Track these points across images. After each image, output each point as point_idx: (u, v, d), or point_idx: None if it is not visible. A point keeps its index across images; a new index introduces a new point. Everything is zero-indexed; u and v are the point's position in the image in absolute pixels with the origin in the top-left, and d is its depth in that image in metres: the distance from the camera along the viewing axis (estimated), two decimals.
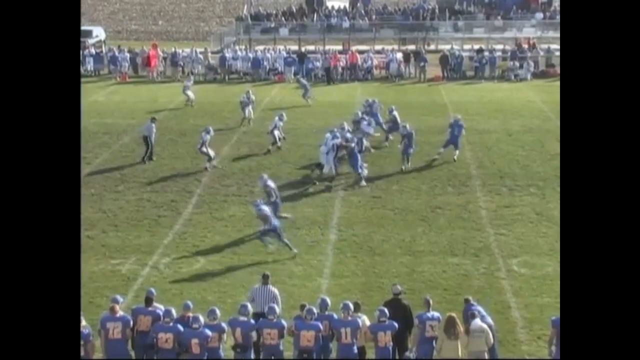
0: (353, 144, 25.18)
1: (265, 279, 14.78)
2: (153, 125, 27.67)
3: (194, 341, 13.07)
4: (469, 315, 13.48)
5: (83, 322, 13.26)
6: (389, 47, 47.75)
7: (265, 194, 21.22)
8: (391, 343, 13.31)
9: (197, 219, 21.54)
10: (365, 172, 24.86)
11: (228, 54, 45.32)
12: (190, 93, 36.03)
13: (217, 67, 44.80)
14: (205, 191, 23.92)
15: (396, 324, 13.38)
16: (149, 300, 13.85)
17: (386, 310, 13.48)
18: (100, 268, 18.44)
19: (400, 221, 21.48)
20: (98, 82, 43.50)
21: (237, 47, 48.52)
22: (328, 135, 25.23)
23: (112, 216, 21.82)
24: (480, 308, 13.84)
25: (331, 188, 24.19)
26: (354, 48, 47.27)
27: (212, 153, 26.11)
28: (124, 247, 19.65)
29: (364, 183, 24.47)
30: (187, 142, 29.35)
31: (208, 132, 26.12)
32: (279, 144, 28.42)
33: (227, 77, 43.93)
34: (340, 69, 44.55)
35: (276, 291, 14.66)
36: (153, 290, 14.33)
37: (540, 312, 16.04)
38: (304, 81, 37.57)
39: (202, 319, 13.25)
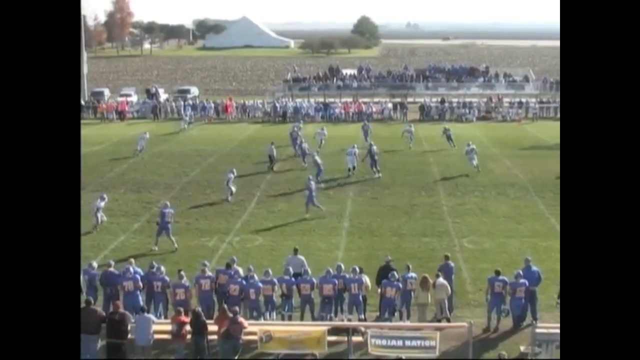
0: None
1: (295, 251, 14.67)
2: (273, 146, 27.52)
3: (251, 290, 13.02)
4: (438, 271, 13.58)
5: (184, 278, 13.27)
6: (383, 100, 47.60)
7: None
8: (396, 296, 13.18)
9: (257, 212, 21.41)
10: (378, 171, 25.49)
11: (278, 104, 45.21)
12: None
13: (270, 112, 44.67)
14: (263, 194, 23.76)
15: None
16: (229, 265, 13.78)
17: (395, 274, 13.32)
18: (194, 243, 18.33)
19: (391, 214, 21.26)
20: (194, 123, 43.54)
21: (284, 100, 48.40)
22: (351, 148, 26.69)
23: (203, 209, 21.77)
24: (451, 264, 14.09)
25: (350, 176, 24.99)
26: (360, 100, 47.02)
27: (233, 189, 22.32)
28: (210, 230, 19.49)
29: (379, 175, 25.39)
30: (253, 162, 29.18)
31: (232, 172, 22.63)
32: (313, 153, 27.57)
33: (277, 119, 43.80)
34: (351, 114, 44.45)
35: (303, 258, 14.47)
36: (235, 257, 14.26)
37: (481, 273, 15.81)
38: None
39: (256, 277, 13.23)
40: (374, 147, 26.57)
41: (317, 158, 25.59)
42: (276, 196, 23.35)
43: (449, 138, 32.27)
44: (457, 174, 26.82)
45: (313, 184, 20.82)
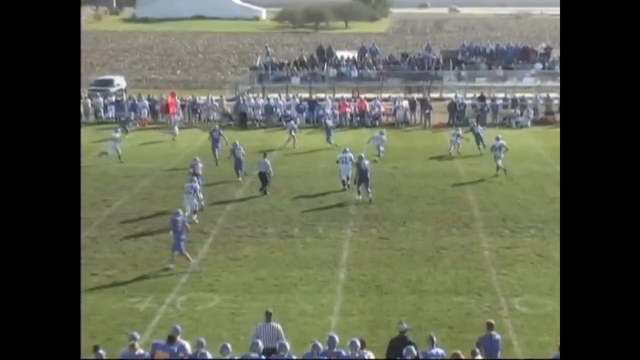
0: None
1: (268, 316, 14.78)
2: (267, 160, 28.46)
3: None
4: (477, 346, 13.85)
5: (102, 357, 13.31)
6: (396, 95, 48.03)
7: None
8: None
9: (213, 259, 21.57)
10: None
11: (242, 102, 45.63)
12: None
13: (232, 114, 45.12)
14: (220, 232, 23.96)
15: None
16: (171, 338, 13.86)
17: (414, 349, 13.46)
18: (119, 306, 18.44)
19: (407, 261, 21.46)
20: (120, 129, 43.73)
21: (251, 95, 48.88)
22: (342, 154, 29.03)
23: (131, 256, 21.86)
24: (497, 335, 14.38)
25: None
26: (362, 96, 47.55)
27: (198, 204, 25.25)
28: (142, 286, 19.65)
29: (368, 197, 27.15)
30: (202, 186, 29.42)
31: (195, 169, 26.89)
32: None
33: (241, 124, 44.19)
34: (349, 116, 44.79)
35: (279, 327, 14.64)
36: (178, 327, 14.28)
37: (540, 349, 15.94)
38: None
39: (209, 355, 13.30)
40: (364, 161, 27.54)
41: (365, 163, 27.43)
42: (240, 237, 23.53)
43: (477, 137, 34.72)
44: (503, 203, 27.15)
45: None
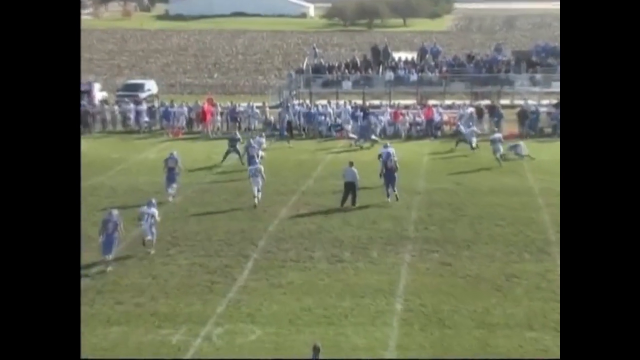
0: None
1: (315, 351, 14.89)
2: (354, 169, 29.03)
3: None
4: None
5: None
6: (460, 102, 47.87)
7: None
8: None
9: (253, 286, 21.69)
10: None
11: (287, 109, 45.88)
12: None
13: (275, 122, 45.42)
14: (262, 255, 24.09)
15: None
16: None
17: None
18: (148, 338, 18.60)
19: (472, 290, 21.31)
20: (149, 139, 44.37)
21: (296, 102, 49.15)
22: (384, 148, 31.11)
23: (163, 282, 22.07)
24: None
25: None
26: (430, 102, 47.46)
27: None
28: (175, 316, 19.82)
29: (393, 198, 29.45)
30: (243, 203, 29.72)
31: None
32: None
33: (284, 133, 44.45)
34: (407, 125, 44.76)
35: None
36: None
37: None
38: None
39: None
40: (393, 157, 29.59)
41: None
42: (284, 261, 23.63)
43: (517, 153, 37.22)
44: None
45: None
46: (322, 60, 55.18)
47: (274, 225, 27.17)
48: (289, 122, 44.80)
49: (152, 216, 24.37)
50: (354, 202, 29.07)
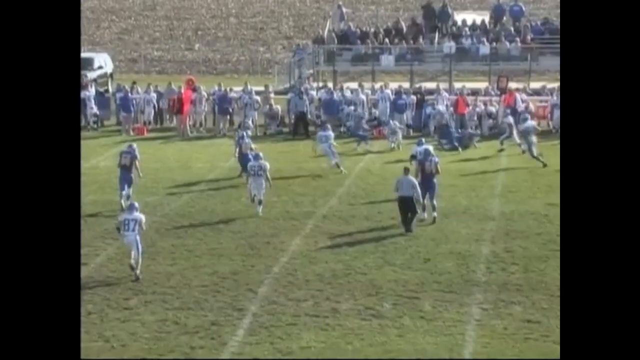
0: None
1: None
2: (411, 179, 29.79)
3: None
4: None
5: None
6: (553, 85, 47.82)
7: None
8: None
9: (251, 353, 21.73)
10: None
11: (300, 96, 45.94)
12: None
13: (283, 114, 45.46)
14: (263, 309, 24.09)
15: None
16: None
17: None
18: None
19: None
20: (100, 138, 44.74)
21: (313, 84, 49.24)
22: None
23: (120, 347, 22.09)
24: None
25: None
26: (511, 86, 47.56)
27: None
28: None
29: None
30: (236, 232, 29.81)
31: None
32: None
33: (299, 130, 44.53)
34: (475, 118, 44.80)
35: None
36: None
37: None
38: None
39: None
40: (433, 158, 31.38)
41: None
42: (296, 316, 23.68)
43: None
44: None
45: None
46: (351, 25, 55.31)
47: (281, 263, 27.20)
48: (302, 114, 44.89)
49: (138, 223, 25.75)
50: (409, 227, 29.58)
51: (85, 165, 38.80)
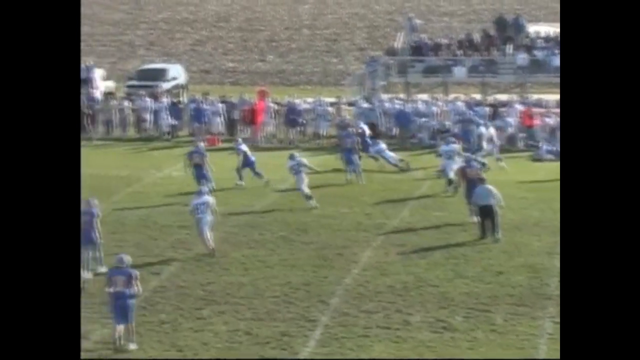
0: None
1: None
2: (490, 188, 30.05)
3: None
4: None
5: None
6: None
7: None
8: None
9: None
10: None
11: (372, 107, 45.92)
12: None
13: (353, 128, 45.48)
14: (335, 320, 24.05)
15: None
16: None
17: None
18: None
19: None
20: (173, 148, 44.78)
21: (385, 96, 49.16)
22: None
23: (192, 356, 22.24)
24: None
25: None
26: None
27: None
28: None
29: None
30: (308, 244, 29.84)
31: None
32: None
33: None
34: (547, 130, 44.51)
35: None
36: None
37: None
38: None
39: None
40: (474, 163, 31.82)
41: None
42: (368, 328, 23.58)
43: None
44: None
45: None
46: (424, 37, 55.19)
47: (353, 275, 27.15)
48: (373, 125, 44.82)
49: (208, 206, 28.33)
50: (494, 234, 29.65)
51: (158, 175, 39.13)
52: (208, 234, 28.32)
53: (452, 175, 35.12)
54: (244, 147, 38.00)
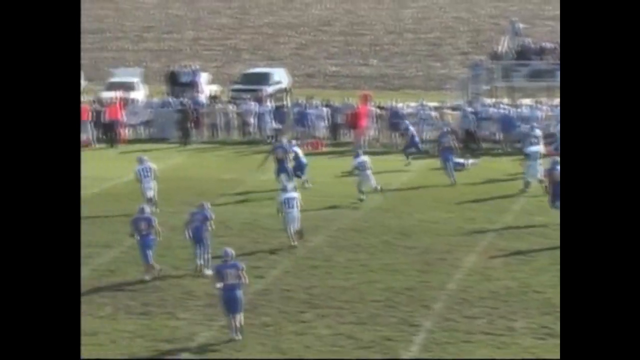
0: None
1: None
2: None
3: None
4: None
5: None
6: None
7: None
8: None
9: None
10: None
11: (475, 112, 45.65)
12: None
13: (457, 131, 45.24)
14: (437, 325, 23.97)
15: None
16: None
17: None
18: None
19: None
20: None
21: (489, 101, 48.85)
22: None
23: (295, 358, 22.36)
24: None
25: None
26: None
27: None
28: None
29: None
30: (411, 248, 29.83)
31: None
32: None
33: (471, 146, 44.23)
34: None
35: None
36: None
37: None
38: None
39: None
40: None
41: None
42: (471, 333, 23.46)
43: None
44: None
45: None
46: (529, 41, 54.69)
47: (456, 280, 27.05)
48: (470, 133, 44.50)
49: (297, 200, 29.99)
50: None
51: (262, 178, 39.23)
52: (292, 230, 29.75)
53: (538, 176, 35.39)
54: (297, 149, 38.66)
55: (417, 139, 42.76)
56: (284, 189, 30.64)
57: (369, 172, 35.44)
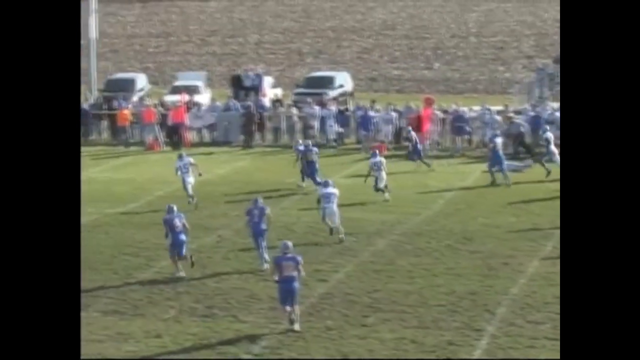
0: None
1: None
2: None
3: None
4: None
5: None
6: None
7: None
8: None
9: None
10: None
11: (539, 116, 45.43)
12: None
13: (524, 134, 45.01)
14: (501, 330, 23.86)
15: None
16: None
17: None
18: None
19: None
20: (341, 156, 45.03)
21: (551, 104, 48.59)
22: None
23: None
24: None
25: None
26: None
27: None
28: None
29: None
30: (474, 252, 29.77)
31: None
32: None
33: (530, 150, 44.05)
34: None
35: None
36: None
37: None
38: None
39: None
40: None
41: None
42: (534, 339, 23.32)
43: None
44: None
45: None
46: None
47: (520, 285, 26.92)
48: (518, 137, 44.19)
49: (335, 196, 31.17)
50: None
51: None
52: (333, 220, 31.02)
53: None
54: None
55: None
56: (325, 184, 31.83)
57: (383, 172, 36.31)
